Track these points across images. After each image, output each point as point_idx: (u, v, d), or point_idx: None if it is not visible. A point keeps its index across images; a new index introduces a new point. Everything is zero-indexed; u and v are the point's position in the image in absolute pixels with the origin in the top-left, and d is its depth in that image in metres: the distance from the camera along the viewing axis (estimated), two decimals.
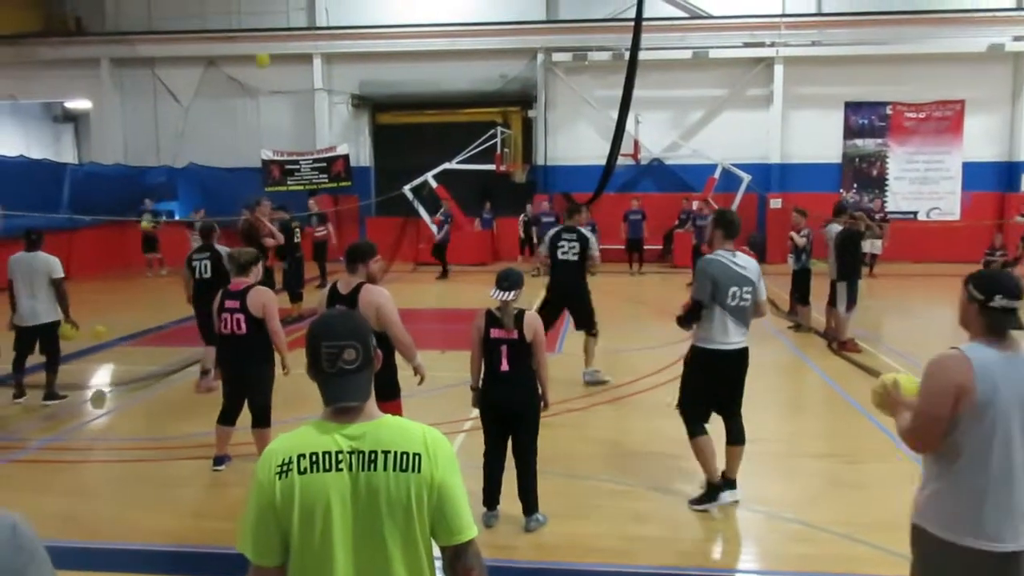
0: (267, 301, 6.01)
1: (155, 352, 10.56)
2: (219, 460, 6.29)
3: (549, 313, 8.64)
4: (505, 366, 5.03)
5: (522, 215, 20.49)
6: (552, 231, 9.04)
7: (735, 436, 5.56)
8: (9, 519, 1.52)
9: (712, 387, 5.49)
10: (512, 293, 4.99)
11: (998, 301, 2.91)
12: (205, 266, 8.47)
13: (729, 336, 5.37)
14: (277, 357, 6.14)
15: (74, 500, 5.89)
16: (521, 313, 5.07)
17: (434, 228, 19.43)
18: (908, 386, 3.24)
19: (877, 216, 17.87)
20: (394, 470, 2.05)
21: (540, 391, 5.17)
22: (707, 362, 5.44)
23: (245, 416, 6.22)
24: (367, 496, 2.06)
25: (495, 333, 5.04)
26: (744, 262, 5.45)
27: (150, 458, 6.64)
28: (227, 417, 6.24)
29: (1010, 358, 2.91)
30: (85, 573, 4.62)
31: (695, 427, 5.51)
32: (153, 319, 12.59)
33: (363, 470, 2.06)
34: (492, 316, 5.09)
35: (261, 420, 6.12)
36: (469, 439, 7.04)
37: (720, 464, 5.52)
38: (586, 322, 8.91)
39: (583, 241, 8.70)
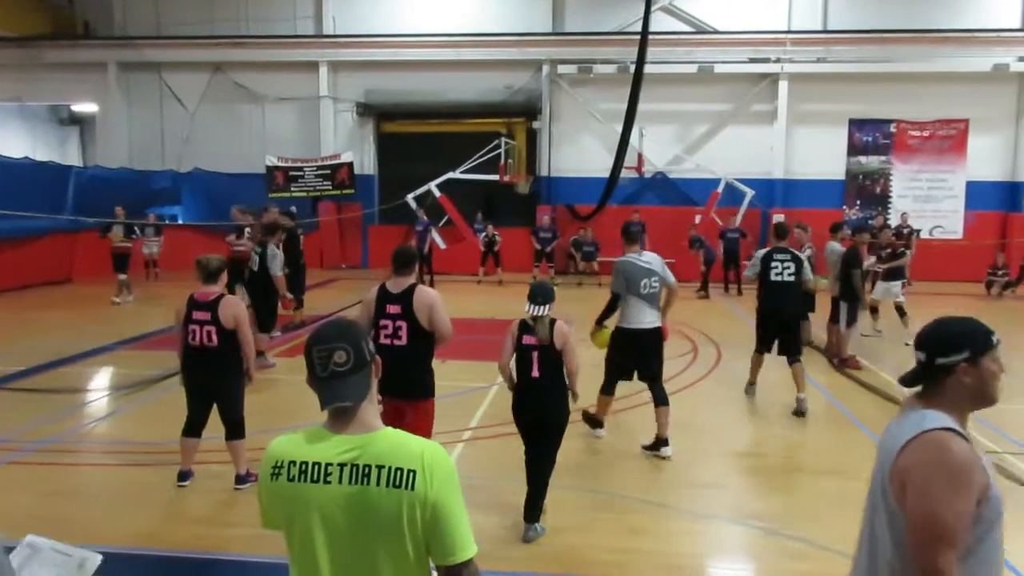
0: (238, 312, 5.89)
1: (154, 356, 10.52)
2: (184, 475, 6.08)
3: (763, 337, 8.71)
4: (536, 372, 5.15)
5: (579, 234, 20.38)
6: (763, 252, 8.77)
7: (659, 399, 6.93)
8: None
9: (631, 359, 6.97)
10: (546, 307, 5.11)
11: None
12: (255, 260, 9.90)
13: (645, 317, 6.88)
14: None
15: (68, 502, 5.87)
16: (553, 322, 5.17)
17: (439, 239, 19.51)
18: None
19: (905, 231, 17.80)
20: (387, 486, 2.01)
21: (571, 396, 5.27)
22: (628, 339, 6.92)
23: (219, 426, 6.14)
24: (357, 510, 2.03)
25: (527, 339, 5.18)
26: (648, 259, 6.98)
27: (145, 462, 6.61)
28: (193, 429, 6.06)
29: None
30: None
31: (608, 387, 7.16)
32: (152, 323, 12.57)
33: (354, 484, 2.03)
34: (525, 324, 5.21)
35: (235, 432, 6.02)
36: (468, 449, 7.03)
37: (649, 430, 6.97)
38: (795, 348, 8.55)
39: (798, 262, 8.55)
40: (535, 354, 5.12)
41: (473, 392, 8.67)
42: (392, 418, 5.32)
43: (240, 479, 6.03)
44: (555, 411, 5.18)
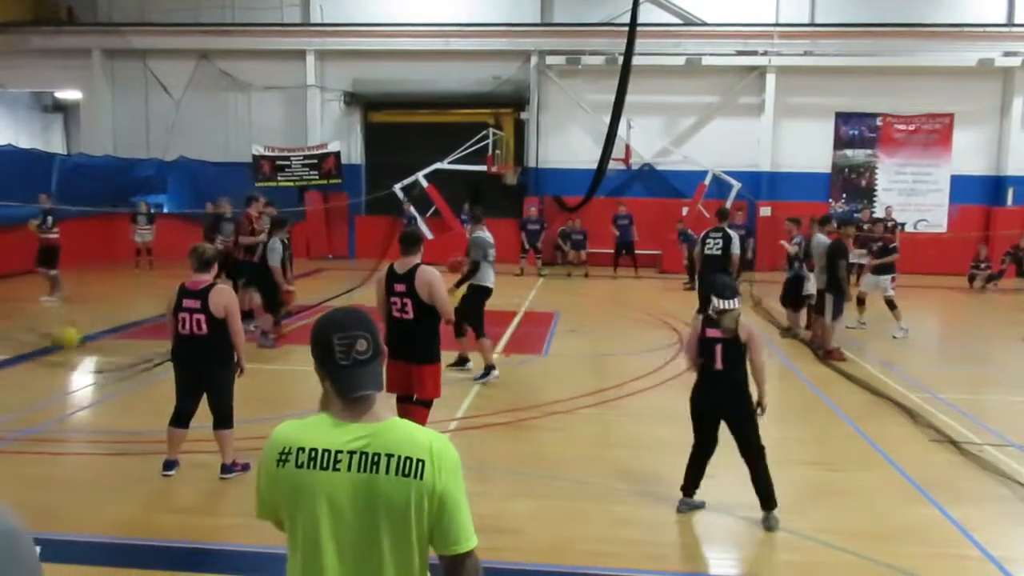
0: (229, 302, 5.85)
1: (138, 345, 10.46)
2: (169, 464, 6.06)
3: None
4: (719, 365, 5.23)
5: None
6: (704, 232, 11.29)
7: (477, 333, 9.02)
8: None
9: (483, 307, 9.01)
10: (734, 301, 5.18)
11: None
12: (259, 250, 10.53)
13: (492, 277, 9.11)
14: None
15: (51, 491, 5.82)
16: (738, 316, 5.22)
17: (425, 228, 19.43)
18: None
19: (889, 224, 17.83)
20: (396, 474, 2.03)
21: (757, 392, 5.31)
22: (487, 293, 9.03)
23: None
24: (365, 498, 2.04)
25: (711, 332, 5.24)
26: (490, 236, 9.10)
27: (130, 451, 6.58)
28: (181, 419, 6.01)
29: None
30: (58, 565, 4.56)
31: (482, 331, 8.98)
32: (137, 312, 12.49)
33: (363, 471, 2.04)
34: (709, 318, 5.27)
35: (224, 421, 5.99)
36: (455, 440, 7.01)
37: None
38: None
39: (726, 239, 10.70)
40: (719, 347, 5.19)
41: (459, 383, 8.67)
42: (402, 379, 5.94)
43: (225, 469, 6.01)
44: (734, 406, 5.26)
